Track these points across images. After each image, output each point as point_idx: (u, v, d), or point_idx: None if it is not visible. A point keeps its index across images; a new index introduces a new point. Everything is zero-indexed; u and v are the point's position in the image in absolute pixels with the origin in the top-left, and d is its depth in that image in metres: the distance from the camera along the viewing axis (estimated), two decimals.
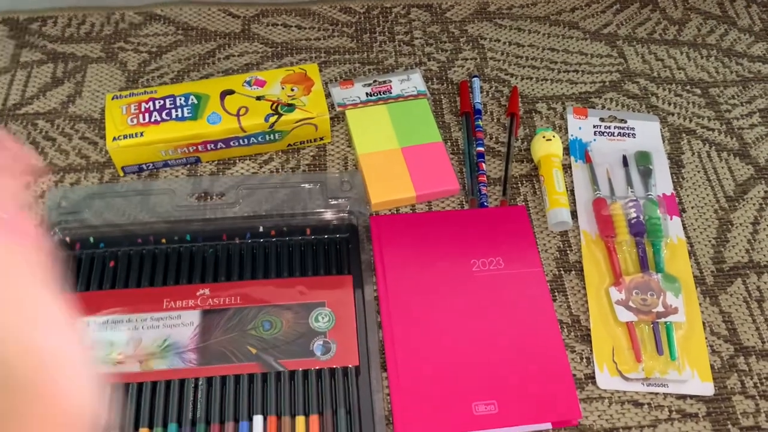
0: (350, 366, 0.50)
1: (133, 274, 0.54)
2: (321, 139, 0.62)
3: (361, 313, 0.52)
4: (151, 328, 0.50)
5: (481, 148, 0.62)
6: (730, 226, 0.60)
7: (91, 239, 0.55)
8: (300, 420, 0.48)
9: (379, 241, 0.56)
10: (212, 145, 0.59)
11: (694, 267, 0.57)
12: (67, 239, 0.55)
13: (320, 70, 0.68)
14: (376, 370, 0.50)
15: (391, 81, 0.67)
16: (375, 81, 0.67)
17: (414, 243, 0.56)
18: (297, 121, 0.60)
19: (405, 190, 0.59)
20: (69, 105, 0.65)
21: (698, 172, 0.63)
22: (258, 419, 0.47)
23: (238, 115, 0.59)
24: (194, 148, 0.59)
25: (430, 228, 0.57)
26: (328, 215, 0.57)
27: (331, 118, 0.64)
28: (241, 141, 0.60)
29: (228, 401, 0.48)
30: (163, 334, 0.50)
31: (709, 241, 0.59)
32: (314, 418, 0.48)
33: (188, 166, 0.61)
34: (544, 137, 0.61)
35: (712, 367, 0.52)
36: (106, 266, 0.54)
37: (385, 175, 0.59)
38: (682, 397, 0.51)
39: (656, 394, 0.51)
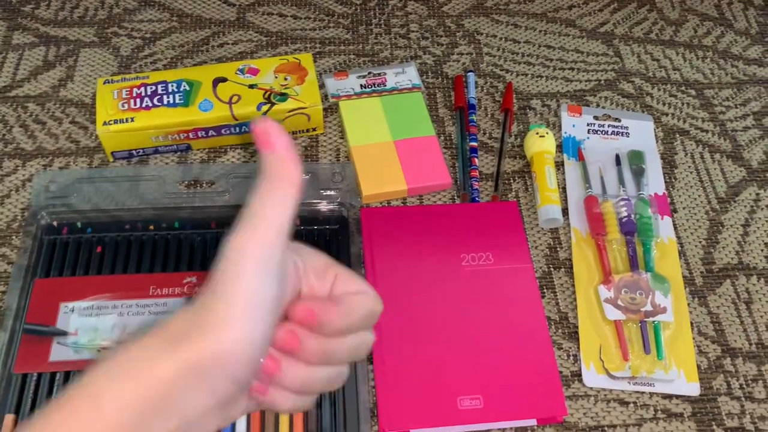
0: None
1: (120, 260, 0.53)
2: (314, 129, 0.62)
3: None
4: (136, 315, 0.50)
5: (474, 143, 0.62)
6: (720, 228, 0.60)
7: (79, 224, 0.55)
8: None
9: (369, 234, 0.56)
10: (203, 133, 0.59)
11: (683, 267, 0.57)
12: (55, 223, 0.55)
13: (315, 61, 0.67)
14: (362, 362, 0.49)
15: (385, 73, 0.67)
16: (370, 73, 0.67)
17: (404, 236, 0.55)
18: (289, 111, 0.59)
19: (397, 183, 0.58)
20: (60, 89, 0.64)
21: (691, 172, 0.63)
22: None
23: (230, 102, 0.59)
24: (185, 135, 0.59)
25: (420, 221, 0.56)
26: (319, 206, 0.57)
27: (324, 109, 0.63)
28: (232, 129, 0.59)
29: None
30: (149, 321, 0.50)
31: (700, 242, 0.59)
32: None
33: (178, 153, 0.61)
34: (537, 134, 0.61)
35: (698, 367, 0.52)
36: (93, 251, 0.53)
37: (377, 167, 0.59)
38: (668, 396, 0.51)
39: (642, 393, 0.51)
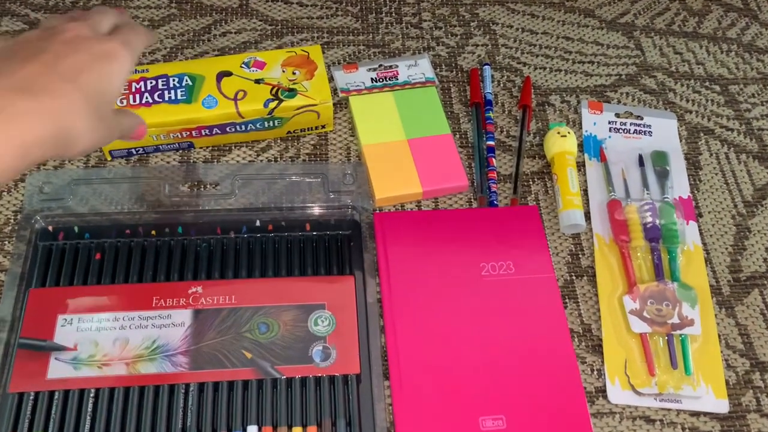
0: (351, 374, 0.47)
1: (121, 268, 0.50)
2: (323, 127, 0.59)
3: (363, 316, 0.49)
4: (138, 328, 0.47)
5: (491, 142, 0.59)
6: (747, 233, 0.57)
7: (76, 229, 0.51)
8: (297, 431, 0.45)
9: (383, 240, 0.53)
10: (207, 131, 0.55)
11: (710, 276, 0.55)
12: (50, 228, 0.51)
13: (322, 52, 0.64)
14: (378, 379, 0.47)
15: (397, 66, 0.63)
16: (381, 65, 0.63)
17: (421, 243, 0.53)
18: (298, 108, 0.56)
19: (411, 185, 0.55)
20: None
21: (716, 174, 0.60)
22: (252, 430, 0.45)
23: (235, 99, 0.55)
24: (188, 133, 0.55)
25: (438, 227, 0.54)
26: (329, 210, 0.54)
27: (333, 104, 0.60)
28: (238, 127, 0.56)
29: (220, 409, 0.45)
30: (152, 334, 0.47)
31: (726, 249, 0.56)
32: (312, 430, 0.45)
33: (180, 151, 0.57)
34: (558, 133, 0.58)
35: (726, 382, 0.50)
36: (91, 259, 0.50)
37: (390, 168, 0.56)
38: (696, 414, 0.49)
39: (669, 410, 0.48)
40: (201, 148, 0.58)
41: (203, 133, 0.56)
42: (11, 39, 0.36)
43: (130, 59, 0.37)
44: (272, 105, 0.55)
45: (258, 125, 0.56)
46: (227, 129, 0.56)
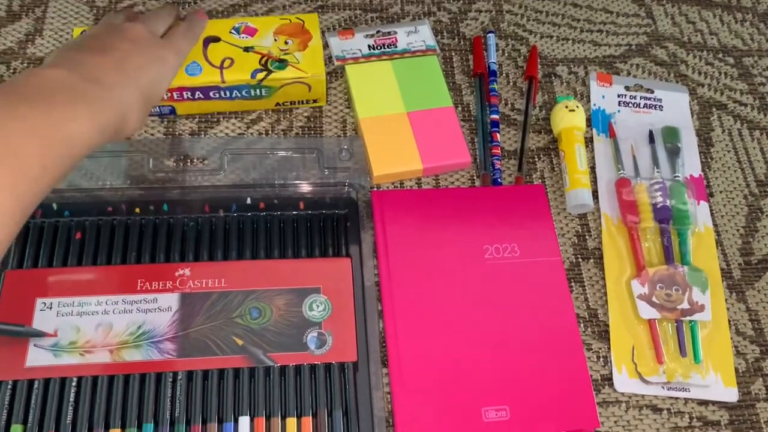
0: (348, 361, 0.45)
1: (103, 248, 0.47)
2: (315, 101, 0.55)
3: (360, 301, 0.47)
4: (123, 313, 0.45)
5: (495, 116, 0.56)
6: (759, 214, 0.55)
7: (55, 206, 0.48)
8: (291, 422, 0.43)
9: (381, 220, 0.50)
10: (189, 94, 0.52)
11: (720, 259, 0.53)
12: None
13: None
14: (376, 366, 0.45)
15: (396, 32, 0.60)
16: (378, 32, 0.60)
17: (421, 223, 0.50)
18: (288, 80, 0.52)
19: (411, 161, 0.52)
20: (27, 45, 0.56)
21: (728, 152, 0.58)
22: (244, 420, 0.42)
23: (221, 67, 0.52)
24: (168, 94, 0.51)
25: (439, 206, 0.51)
26: (324, 187, 0.51)
27: (328, 73, 0.57)
28: (222, 93, 0.52)
29: (210, 399, 0.43)
30: (137, 319, 0.44)
31: (737, 230, 0.54)
32: (306, 420, 0.43)
33: (165, 123, 0.54)
34: (566, 107, 0.55)
35: (736, 370, 0.48)
36: (71, 238, 0.47)
37: (389, 143, 0.53)
38: (704, 402, 0.47)
39: (677, 399, 0.47)
40: (187, 119, 0.54)
41: (185, 96, 0.52)
42: (81, 35, 0.45)
43: (178, 64, 0.47)
44: (260, 76, 0.52)
45: (244, 93, 0.53)
46: (210, 94, 0.52)
